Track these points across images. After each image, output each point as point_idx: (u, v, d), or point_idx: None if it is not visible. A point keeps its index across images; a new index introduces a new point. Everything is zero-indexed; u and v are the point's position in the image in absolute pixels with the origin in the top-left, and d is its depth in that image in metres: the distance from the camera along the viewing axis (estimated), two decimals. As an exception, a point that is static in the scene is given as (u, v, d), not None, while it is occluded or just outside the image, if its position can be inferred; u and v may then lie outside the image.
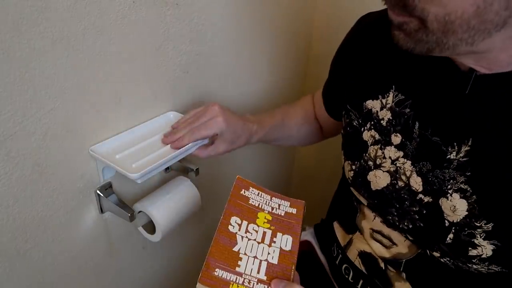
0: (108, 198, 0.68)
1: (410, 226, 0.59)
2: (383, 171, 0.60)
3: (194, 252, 1.05)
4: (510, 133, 0.48)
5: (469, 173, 0.51)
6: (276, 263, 0.52)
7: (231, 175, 1.04)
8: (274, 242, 0.54)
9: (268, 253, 0.53)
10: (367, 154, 0.62)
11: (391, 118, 0.58)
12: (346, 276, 0.72)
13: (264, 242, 0.54)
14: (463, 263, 0.55)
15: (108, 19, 0.58)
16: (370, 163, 0.61)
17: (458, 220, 0.53)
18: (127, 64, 0.64)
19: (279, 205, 0.59)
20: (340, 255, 0.74)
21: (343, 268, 0.73)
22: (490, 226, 0.51)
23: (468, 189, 0.52)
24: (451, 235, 0.54)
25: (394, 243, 0.64)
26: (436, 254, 0.58)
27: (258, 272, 0.51)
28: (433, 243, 0.57)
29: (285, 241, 0.54)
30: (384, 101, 0.59)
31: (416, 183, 0.56)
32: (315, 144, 0.96)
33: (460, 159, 0.52)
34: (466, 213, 0.52)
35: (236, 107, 0.96)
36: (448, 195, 0.53)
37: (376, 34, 0.62)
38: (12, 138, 0.53)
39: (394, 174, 0.59)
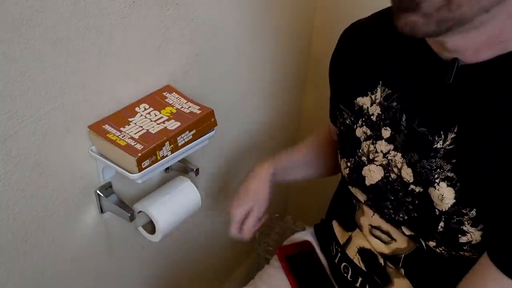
0: (108, 198, 0.68)
1: (406, 218, 0.60)
2: (376, 165, 0.61)
3: (194, 251, 1.05)
4: (493, 119, 0.49)
5: (454, 160, 0.52)
6: (153, 133, 0.62)
7: (231, 175, 1.04)
8: (164, 123, 0.64)
9: (153, 127, 0.63)
10: (360, 150, 0.63)
11: (380, 112, 0.60)
12: (345, 275, 0.72)
13: (156, 122, 0.64)
14: (456, 251, 0.56)
15: (108, 19, 0.58)
16: (364, 158, 0.63)
17: (447, 209, 0.53)
18: (127, 64, 0.64)
19: (189, 106, 0.68)
20: (339, 254, 0.74)
21: (342, 266, 0.73)
22: (474, 212, 0.52)
23: (454, 176, 0.52)
24: (442, 224, 0.55)
25: (393, 239, 0.64)
26: (432, 244, 0.58)
27: (135, 134, 0.61)
28: (428, 233, 0.58)
29: (173, 125, 0.63)
30: (373, 97, 0.60)
31: (407, 174, 0.57)
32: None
33: (447, 147, 0.52)
34: (454, 201, 0.53)
35: (236, 107, 0.96)
36: (436, 184, 0.54)
37: (363, 37, 0.64)
38: (12, 138, 0.53)
39: (387, 167, 0.60)
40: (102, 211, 0.70)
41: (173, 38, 0.70)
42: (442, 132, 0.53)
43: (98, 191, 0.68)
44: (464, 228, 0.53)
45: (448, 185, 0.53)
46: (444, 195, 0.53)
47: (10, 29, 0.48)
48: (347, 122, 0.65)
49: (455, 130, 0.51)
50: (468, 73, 0.49)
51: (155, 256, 0.91)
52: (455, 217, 0.53)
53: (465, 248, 0.54)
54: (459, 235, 0.54)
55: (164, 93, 0.69)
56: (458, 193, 0.52)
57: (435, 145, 0.53)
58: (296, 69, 1.15)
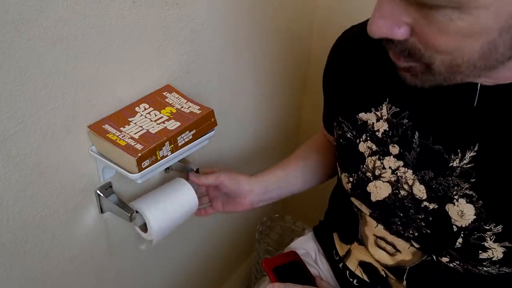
0: (108, 198, 0.68)
1: (416, 234, 0.58)
2: (383, 182, 0.59)
3: (194, 252, 1.05)
4: None
5: (473, 179, 0.51)
6: (154, 133, 0.62)
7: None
8: (164, 123, 0.64)
9: (153, 127, 0.63)
10: (364, 166, 0.61)
11: (387, 129, 0.58)
12: (351, 280, 0.72)
13: (156, 122, 0.64)
14: (473, 266, 0.55)
15: (108, 19, 0.58)
16: (369, 174, 0.60)
17: (467, 225, 0.52)
18: (127, 64, 0.64)
19: (189, 106, 0.68)
20: (342, 262, 0.73)
21: (347, 273, 0.73)
22: (499, 228, 0.51)
23: (474, 194, 0.51)
24: (460, 240, 0.53)
25: (397, 250, 0.63)
26: (445, 259, 0.57)
27: (135, 134, 0.61)
28: (441, 249, 0.57)
29: (173, 125, 0.63)
30: (378, 113, 0.59)
31: (420, 191, 0.56)
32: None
33: (464, 166, 0.51)
34: (474, 217, 0.52)
35: (236, 107, 0.96)
36: (454, 200, 0.53)
37: (364, 47, 0.61)
38: (12, 138, 0.53)
39: (396, 184, 0.58)
40: (102, 211, 0.70)
41: (173, 38, 0.70)
42: (459, 150, 0.51)
43: (98, 191, 0.68)
44: (486, 244, 0.52)
45: (467, 202, 0.52)
46: (464, 211, 0.52)
47: (10, 29, 0.48)
48: (348, 135, 0.63)
49: (475, 149, 0.50)
50: (490, 94, 0.48)
51: (155, 256, 0.91)
52: (475, 233, 0.52)
53: (484, 263, 0.54)
54: (480, 251, 0.53)
55: (164, 93, 0.69)
56: (479, 210, 0.51)
57: (451, 164, 0.52)
58: (296, 70, 1.16)
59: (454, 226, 0.54)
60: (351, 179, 0.63)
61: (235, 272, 1.32)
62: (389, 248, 0.64)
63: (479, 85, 0.48)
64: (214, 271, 1.20)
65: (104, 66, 0.61)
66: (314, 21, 1.13)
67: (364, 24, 0.63)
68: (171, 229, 0.73)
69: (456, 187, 0.53)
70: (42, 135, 0.56)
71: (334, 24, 1.10)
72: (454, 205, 0.53)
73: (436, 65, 0.42)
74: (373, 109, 0.59)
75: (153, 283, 0.95)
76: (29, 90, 0.53)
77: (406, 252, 0.62)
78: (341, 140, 0.64)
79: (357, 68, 0.61)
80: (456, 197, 0.53)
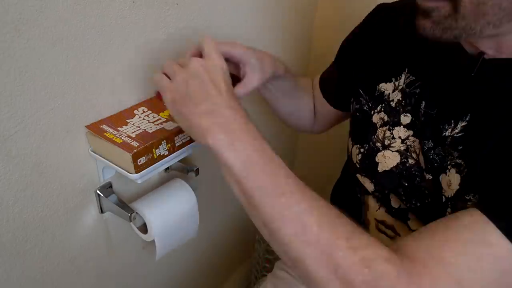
0: (108, 198, 0.68)
1: (418, 204, 0.60)
2: (392, 151, 0.62)
3: (194, 251, 1.05)
4: (505, 109, 0.50)
5: (461, 147, 0.53)
6: (151, 132, 0.61)
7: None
8: (161, 124, 0.64)
9: (150, 128, 0.63)
10: (375, 136, 0.64)
11: (401, 99, 0.61)
12: None
13: (154, 123, 0.64)
14: None
15: (108, 19, 0.58)
16: (378, 144, 0.63)
17: (452, 195, 0.54)
18: (127, 64, 0.64)
19: None
20: None
21: None
22: (475, 199, 0.52)
23: (462, 163, 0.53)
24: (449, 210, 0.56)
25: (397, 233, 0.65)
26: None
27: (132, 133, 0.61)
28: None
29: (171, 126, 0.63)
30: (396, 83, 0.62)
31: (422, 161, 0.59)
32: (315, 140, 0.95)
33: (455, 135, 0.54)
34: (458, 187, 0.54)
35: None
36: (447, 170, 0.55)
37: (390, 21, 0.65)
38: (12, 138, 0.53)
39: (405, 153, 0.61)
40: (102, 211, 0.70)
41: (173, 38, 0.70)
42: (453, 121, 0.54)
43: (98, 191, 0.68)
44: None
45: (456, 171, 0.54)
46: (451, 181, 0.54)
47: (10, 29, 0.48)
48: (365, 108, 0.66)
49: (467, 119, 0.52)
50: (492, 66, 0.51)
51: (155, 256, 0.91)
52: (459, 203, 0.54)
53: None
54: None
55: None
56: (463, 179, 0.53)
57: (444, 133, 0.55)
58: (296, 69, 1.15)
59: (443, 197, 0.56)
60: (362, 149, 0.66)
61: (235, 272, 1.32)
62: (389, 232, 0.66)
63: (482, 56, 0.51)
64: (214, 271, 1.20)
65: (104, 66, 0.61)
66: (314, 20, 1.13)
67: (395, 4, 0.67)
68: (170, 229, 0.73)
69: (449, 156, 0.55)
70: (42, 135, 0.56)
71: (334, 23, 1.10)
72: (446, 174, 0.55)
73: (463, 4, 0.43)
74: (393, 79, 0.62)
75: (153, 283, 0.95)
76: (29, 90, 0.53)
77: (406, 234, 0.64)
78: (358, 114, 0.67)
79: (383, 40, 0.65)
80: (449, 167, 0.55)
